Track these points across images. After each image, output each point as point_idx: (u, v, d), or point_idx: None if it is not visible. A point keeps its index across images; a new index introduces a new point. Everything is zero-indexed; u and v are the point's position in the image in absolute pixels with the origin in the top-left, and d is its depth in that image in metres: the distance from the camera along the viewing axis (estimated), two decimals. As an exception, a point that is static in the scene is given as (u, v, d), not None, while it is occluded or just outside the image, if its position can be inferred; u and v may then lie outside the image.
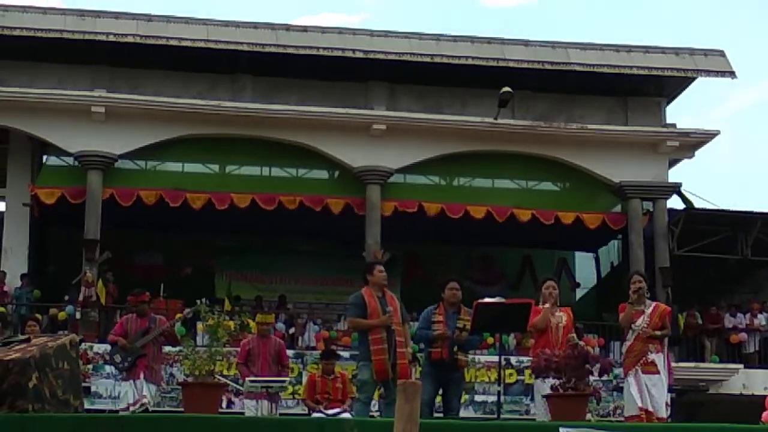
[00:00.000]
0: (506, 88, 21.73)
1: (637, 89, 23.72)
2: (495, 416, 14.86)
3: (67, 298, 21.36)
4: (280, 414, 13.77)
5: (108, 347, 14.75)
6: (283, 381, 13.38)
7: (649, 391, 11.21)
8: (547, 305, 11.63)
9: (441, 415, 11.59)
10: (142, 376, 13.13)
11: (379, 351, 10.76)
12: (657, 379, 11.28)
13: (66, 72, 22.09)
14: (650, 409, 11.21)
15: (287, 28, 22.67)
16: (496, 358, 18.91)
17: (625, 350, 11.71)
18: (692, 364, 22.25)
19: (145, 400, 13.12)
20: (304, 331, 22.11)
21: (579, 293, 26.48)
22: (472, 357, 20.65)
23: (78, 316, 20.55)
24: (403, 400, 6.12)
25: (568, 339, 11.28)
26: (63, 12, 22.10)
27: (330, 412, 12.87)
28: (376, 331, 10.83)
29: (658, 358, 11.36)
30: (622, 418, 13.17)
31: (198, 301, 15.63)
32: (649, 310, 11.48)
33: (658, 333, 11.36)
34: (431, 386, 11.44)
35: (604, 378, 18.71)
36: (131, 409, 12.70)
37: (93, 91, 21.64)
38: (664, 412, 11.25)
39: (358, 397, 11.15)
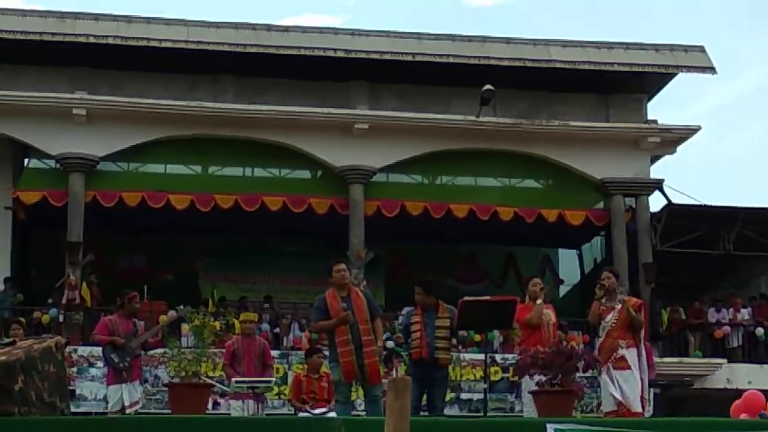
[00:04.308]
0: (488, 86, 21.75)
1: (618, 86, 23.77)
2: (481, 414, 14.88)
3: (50, 301, 21.26)
4: (266, 414, 13.78)
5: (91, 349, 14.62)
6: (270, 381, 13.37)
7: (621, 386, 11.24)
8: (539, 301, 11.63)
9: (426, 414, 11.57)
10: (136, 377, 13.12)
11: (346, 353, 10.69)
12: (628, 374, 11.28)
13: (46, 74, 22.02)
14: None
15: (268, 28, 22.64)
16: (481, 356, 18.96)
17: (597, 347, 11.74)
18: (676, 359, 22.33)
19: (139, 404, 13.10)
20: (289, 331, 22.07)
21: (563, 290, 26.52)
22: (456, 355, 20.81)
23: (62, 319, 20.45)
24: (393, 397, 6.10)
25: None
26: (43, 14, 22.01)
27: (316, 411, 12.83)
28: (342, 332, 10.73)
29: (630, 353, 11.33)
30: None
31: (180, 307, 15.65)
32: (619, 306, 11.49)
33: (633, 312, 11.32)
34: (416, 387, 11.36)
35: (588, 374, 18.77)
36: (129, 410, 12.63)
37: (74, 93, 21.56)
38: (638, 407, 11.24)
39: (337, 398, 11.18)
